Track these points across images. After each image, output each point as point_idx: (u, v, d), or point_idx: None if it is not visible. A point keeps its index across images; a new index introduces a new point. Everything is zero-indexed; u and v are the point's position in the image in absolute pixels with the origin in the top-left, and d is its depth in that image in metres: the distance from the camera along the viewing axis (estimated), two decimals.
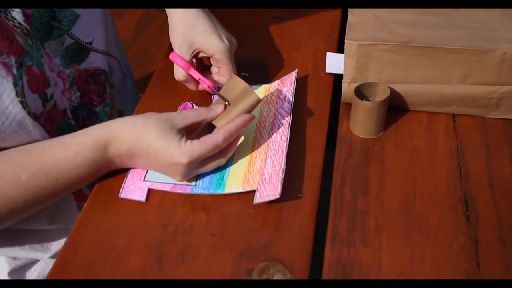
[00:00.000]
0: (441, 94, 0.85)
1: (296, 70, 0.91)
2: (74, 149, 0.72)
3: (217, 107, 0.78)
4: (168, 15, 0.87)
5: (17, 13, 0.75)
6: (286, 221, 0.71)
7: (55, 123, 0.82)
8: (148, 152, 0.73)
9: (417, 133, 0.84)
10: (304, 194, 0.75)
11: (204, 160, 0.75)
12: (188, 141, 0.73)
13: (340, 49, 0.98)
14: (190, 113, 0.76)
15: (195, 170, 0.75)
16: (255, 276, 0.65)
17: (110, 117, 0.93)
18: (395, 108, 0.86)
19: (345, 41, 0.83)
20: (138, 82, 1.18)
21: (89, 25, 0.87)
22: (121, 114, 1.00)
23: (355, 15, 0.87)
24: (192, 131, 0.79)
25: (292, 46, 1.01)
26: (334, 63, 0.93)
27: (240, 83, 0.79)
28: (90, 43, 0.88)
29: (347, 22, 0.86)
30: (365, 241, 0.69)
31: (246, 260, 0.67)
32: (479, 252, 0.68)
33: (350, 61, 0.83)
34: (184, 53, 0.86)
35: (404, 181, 0.77)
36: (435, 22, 0.86)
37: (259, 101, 0.78)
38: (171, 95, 0.91)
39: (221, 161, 0.77)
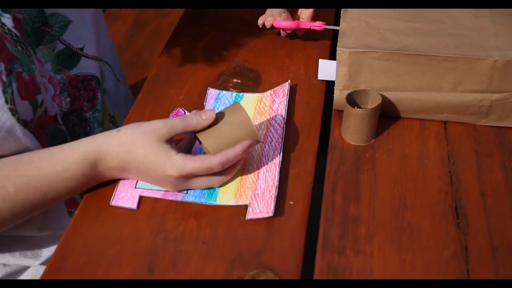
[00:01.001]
0: (433, 102, 0.85)
1: (289, 81, 0.92)
2: (63, 163, 0.72)
3: (207, 114, 0.74)
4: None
5: (7, 19, 0.75)
6: (278, 228, 0.71)
7: (46, 129, 0.82)
8: (138, 167, 0.73)
9: (409, 140, 0.84)
10: (296, 201, 0.75)
11: (196, 176, 0.74)
12: (180, 154, 0.72)
13: (332, 56, 0.98)
14: (178, 123, 0.74)
15: (186, 183, 0.75)
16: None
17: (101, 123, 0.93)
18: (387, 115, 0.87)
19: (337, 48, 0.83)
20: (131, 87, 1.18)
21: (80, 30, 0.87)
22: (112, 119, 0.99)
23: (347, 22, 0.88)
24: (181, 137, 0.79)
25: (285, 52, 1.01)
26: (326, 70, 0.94)
27: (242, 113, 0.75)
28: (82, 49, 0.88)
29: (339, 28, 0.86)
30: (356, 248, 0.69)
31: (237, 267, 0.67)
32: (470, 259, 0.68)
33: (342, 68, 0.84)
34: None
35: (395, 188, 0.77)
36: (426, 29, 0.86)
37: (258, 142, 0.76)
38: (163, 101, 0.91)
39: (215, 182, 0.75)
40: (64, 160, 0.72)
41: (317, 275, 0.67)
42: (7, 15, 0.75)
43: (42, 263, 0.89)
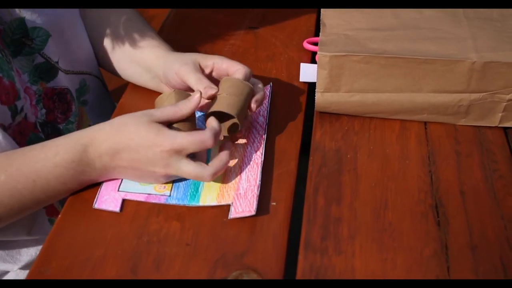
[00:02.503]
0: (413, 103, 0.86)
1: (271, 83, 0.92)
2: (53, 149, 0.72)
3: (194, 96, 0.75)
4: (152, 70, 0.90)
5: None
6: (260, 229, 0.72)
7: (26, 136, 0.82)
8: (129, 144, 0.72)
9: (389, 141, 0.85)
10: (278, 202, 0.75)
11: (186, 159, 0.73)
12: (171, 129, 0.73)
13: (314, 59, 1.00)
14: (168, 108, 0.75)
15: (178, 163, 0.73)
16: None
17: None
18: (367, 116, 0.88)
19: (318, 53, 0.84)
20: (114, 91, 1.19)
21: (57, 44, 0.87)
22: None
23: (326, 36, 0.88)
24: None
25: (267, 55, 1.02)
26: (308, 72, 0.95)
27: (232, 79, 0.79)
28: (57, 62, 0.88)
29: (319, 40, 0.87)
30: (338, 249, 0.70)
31: (220, 269, 0.67)
32: (450, 257, 0.69)
33: (323, 72, 0.84)
34: (198, 66, 0.84)
35: (376, 189, 0.78)
36: (405, 35, 0.88)
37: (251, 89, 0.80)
38: (146, 105, 0.91)
39: (205, 173, 0.73)
40: (56, 147, 0.73)
41: (299, 275, 0.67)
42: None
43: (22, 268, 0.88)
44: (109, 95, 1.06)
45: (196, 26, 1.10)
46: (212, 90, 0.78)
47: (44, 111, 0.87)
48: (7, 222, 0.74)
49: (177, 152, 0.72)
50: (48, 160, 0.72)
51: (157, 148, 0.71)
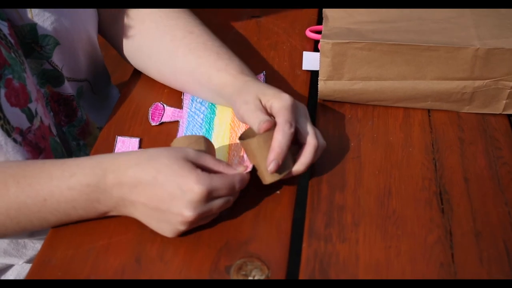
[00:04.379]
0: (416, 90, 0.86)
1: (264, 72, 0.92)
2: (72, 169, 0.68)
3: (238, 168, 0.71)
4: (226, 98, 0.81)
5: (3, 26, 0.75)
6: (264, 218, 0.72)
7: (47, 140, 0.81)
8: (156, 177, 0.66)
9: (393, 128, 0.85)
10: (282, 191, 0.75)
11: (215, 198, 0.68)
12: (205, 172, 0.67)
13: (317, 48, 0.99)
14: (209, 159, 0.69)
15: (206, 205, 0.67)
16: (233, 273, 0.66)
17: (74, 137, 0.92)
18: (371, 104, 0.87)
19: (320, 40, 0.84)
20: (118, 85, 1.18)
21: (64, 52, 0.85)
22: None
23: (328, 29, 0.87)
24: None
25: (269, 44, 1.01)
26: (311, 61, 0.94)
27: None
28: (61, 69, 0.87)
29: (322, 33, 0.86)
30: (342, 236, 0.70)
31: (224, 257, 0.68)
32: (454, 244, 0.69)
33: (326, 59, 0.84)
34: (259, 104, 0.74)
35: (380, 176, 0.78)
36: (407, 27, 0.87)
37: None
38: (148, 95, 0.91)
39: (229, 203, 0.70)
40: (75, 166, 0.68)
41: (303, 263, 0.67)
42: (4, 22, 0.75)
43: (27, 261, 0.89)
44: (98, 99, 1.04)
45: (198, 16, 1.10)
46: (267, 124, 0.70)
47: (52, 114, 0.87)
48: (12, 235, 0.72)
49: (208, 196, 0.66)
50: (63, 180, 0.68)
51: (186, 187, 0.65)
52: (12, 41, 0.76)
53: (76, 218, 0.71)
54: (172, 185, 0.65)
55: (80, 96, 0.95)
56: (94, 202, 0.69)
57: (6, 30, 0.75)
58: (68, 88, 0.89)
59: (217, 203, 0.68)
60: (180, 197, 0.65)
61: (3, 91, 0.73)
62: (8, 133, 0.75)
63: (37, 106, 0.80)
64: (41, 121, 0.81)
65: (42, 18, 0.80)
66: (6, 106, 0.74)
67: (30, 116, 0.78)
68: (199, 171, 0.66)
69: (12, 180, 0.68)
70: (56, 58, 0.85)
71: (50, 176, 0.68)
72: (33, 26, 0.80)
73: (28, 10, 0.79)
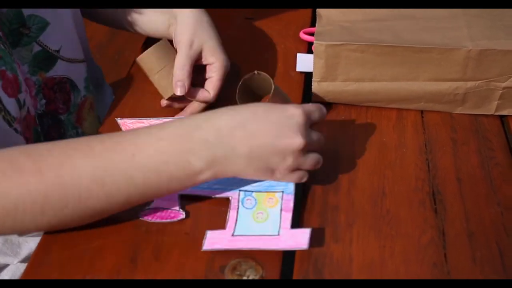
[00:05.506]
0: (409, 91, 0.87)
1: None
2: (160, 125, 0.66)
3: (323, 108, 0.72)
4: (171, 11, 0.88)
5: None
6: None
7: (31, 130, 0.82)
8: (256, 112, 0.65)
9: (386, 129, 0.85)
10: None
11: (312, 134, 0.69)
12: None
13: (310, 50, 1.00)
14: (309, 106, 0.70)
15: (310, 138, 0.68)
16: (227, 272, 0.66)
17: (73, 125, 0.93)
18: (364, 105, 0.88)
19: (314, 42, 0.84)
20: (112, 85, 1.19)
21: (57, 32, 0.86)
22: (99, 120, 0.99)
23: (322, 26, 0.88)
24: None
25: (263, 46, 1.02)
26: (305, 62, 0.95)
27: None
28: (58, 51, 0.87)
29: (315, 31, 0.87)
30: (335, 236, 0.70)
31: (218, 257, 0.68)
32: (447, 244, 0.70)
33: (319, 61, 0.85)
34: (191, 52, 0.85)
35: (373, 177, 0.78)
36: (400, 26, 0.88)
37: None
38: (143, 98, 0.91)
39: (320, 160, 0.71)
40: (162, 123, 0.67)
41: (297, 263, 0.68)
42: None
43: (22, 261, 0.89)
44: (108, 86, 1.05)
45: None
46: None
47: (44, 101, 0.87)
48: (96, 206, 0.66)
49: (308, 118, 0.67)
50: (152, 133, 0.64)
51: (289, 112, 0.65)
52: (0, 33, 0.76)
53: (166, 179, 0.65)
54: (275, 115, 0.65)
55: (91, 80, 0.95)
56: (187, 153, 0.64)
57: None
58: (62, 70, 0.88)
59: (315, 136, 0.69)
60: (286, 123, 0.64)
61: (0, 82, 0.74)
62: (10, 124, 0.76)
63: (26, 96, 0.80)
64: (28, 111, 0.81)
65: None
66: (4, 97, 0.74)
67: (20, 107, 0.78)
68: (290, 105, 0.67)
69: (96, 141, 0.65)
70: (50, 40, 0.85)
71: (138, 134, 0.65)
72: (19, 9, 0.80)
73: None
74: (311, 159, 0.70)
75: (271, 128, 0.65)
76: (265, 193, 0.73)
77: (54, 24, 0.85)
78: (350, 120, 0.87)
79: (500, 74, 0.84)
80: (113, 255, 0.68)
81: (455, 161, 0.81)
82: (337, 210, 0.74)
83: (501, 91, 0.85)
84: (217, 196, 0.73)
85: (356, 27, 0.88)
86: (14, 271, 0.90)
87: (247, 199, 0.72)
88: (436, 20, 0.89)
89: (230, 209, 0.72)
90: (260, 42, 1.03)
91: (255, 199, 0.72)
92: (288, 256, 0.68)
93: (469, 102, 0.87)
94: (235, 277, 0.66)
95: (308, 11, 1.10)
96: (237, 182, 0.73)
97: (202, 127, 0.64)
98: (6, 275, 0.90)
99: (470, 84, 0.85)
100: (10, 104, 0.76)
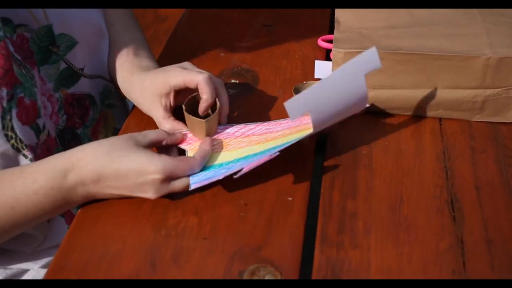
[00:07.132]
0: (428, 99, 0.87)
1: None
2: (32, 175, 0.70)
3: (178, 134, 0.80)
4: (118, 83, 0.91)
5: (8, 43, 0.75)
6: (277, 224, 0.73)
7: (52, 152, 0.82)
8: (118, 169, 0.71)
9: (404, 136, 0.85)
10: (294, 197, 0.76)
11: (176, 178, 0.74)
12: (162, 154, 0.73)
13: (329, 57, 1.00)
14: (149, 132, 0.76)
15: (168, 185, 0.73)
16: (246, 278, 0.66)
17: (90, 138, 0.94)
18: (382, 112, 0.88)
19: (333, 49, 0.85)
20: None
21: (83, 52, 0.88)
22: (117, 133, 1.00)
23: (340, 33, 0.89)
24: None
25: (281, 53, 1.02)
26: (323, 70, 0.95)
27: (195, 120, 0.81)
28: (82, 69, 0.89)
29: (334, 38, 0.87)
30: (353, 243, 0.71)
31: (237, 262, 0.68)
32: (465, 252, 0.70)
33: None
34: (164, 96, 0.84)
35: (391, 184, 0.78)
36: (419, 32, 0.88)
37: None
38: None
39: (187, 181, 0.75)
40: (35, 173, 0.70)
41: (315, 269, 0.68)
42: (7, 40, 0.75)
43: (42, 267, 0.89)
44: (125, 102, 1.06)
45: (211, 25, 1.11)
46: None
47: (65, 117, 0.88)
48: None
49: (167, 178, 0.72)
50: (27, 186, 0.70)
51: (148, 175, 0.71)
52: (19, 57, 0.77)
53: (51, 215, 0.74)
54: (133, 175, 0.71)
55: (110, 95, 0.97)
56: (61, 201, 0.71)
57: (11, 48, 0.76)
58: (84, 86, 0.90)
59: (177, 183, 0.73)
60: (141, 183, 0.71)
61: (15, 111, 0.75)
62: (19, 150, 0.77)
63: (46, 120, 0.81)
64: (48, 134, 0.82)
65: (57, 19, 0.82)
66: (18, 125, 0.76)
67: (38, 132, 0.79)
68: (155, 157, 0.71)
69: None
70: (76, 58, 0.86)
71: (13, 185, 0.70)
72: (49, 27, 0.81)
73: (41, 10, 0.80)
74: (179, 185, 0.74)
75: (129, 185, 0.72)
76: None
77: (81, 43, 0.86)
78: (368, 126, 0.87)
79: None
80: (132, 259, 0.69)
81: (473, 169, 0.80)
82: (355, 216, 0.74)
83: None
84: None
85: (375, 34, 0.88)
86: (34, 276, 0.91)
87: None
88: (455, 27, 0.89)
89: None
90: (278, 49, 1.04)
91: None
92: (306, 262, 0.69)
93: (487, 110, 0.87)
94: None
95: (326, 18, 1.11)
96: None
97: (70, 178, 0.70)
98: (27, 278, 0.91)
99: (489, 92, 0.85)
100: (24, 131, 0.77)
